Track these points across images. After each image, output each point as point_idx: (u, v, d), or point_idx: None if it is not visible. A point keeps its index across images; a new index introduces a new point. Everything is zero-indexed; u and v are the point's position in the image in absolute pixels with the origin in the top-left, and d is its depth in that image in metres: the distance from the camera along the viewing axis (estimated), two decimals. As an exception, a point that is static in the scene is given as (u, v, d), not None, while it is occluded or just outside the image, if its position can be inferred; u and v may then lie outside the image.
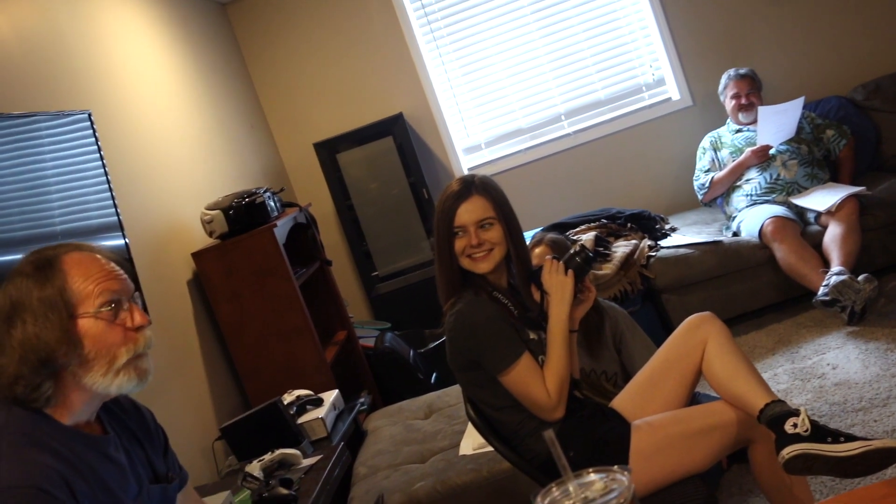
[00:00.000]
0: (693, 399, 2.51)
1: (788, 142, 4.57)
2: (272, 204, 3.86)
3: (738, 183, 4.63)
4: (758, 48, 5.27)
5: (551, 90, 5.50)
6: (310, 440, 3.17)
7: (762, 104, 4.70)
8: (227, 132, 4.72)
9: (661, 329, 4.23)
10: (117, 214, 2.88)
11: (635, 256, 4.32)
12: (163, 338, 3.22)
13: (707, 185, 4.74)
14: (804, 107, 4.66)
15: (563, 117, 5.51)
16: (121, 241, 2.87)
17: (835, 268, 3.95)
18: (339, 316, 4.41)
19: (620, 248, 4.38)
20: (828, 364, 3.61)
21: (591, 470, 1.08)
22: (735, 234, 4.51)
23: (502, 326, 2.27)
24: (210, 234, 3.75)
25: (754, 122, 4.71)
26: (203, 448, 3.25)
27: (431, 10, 5.44)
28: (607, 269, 4.21)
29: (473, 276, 2.36)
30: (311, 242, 4.29)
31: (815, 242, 4.16)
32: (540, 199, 5.36)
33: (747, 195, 4.55)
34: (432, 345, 4.65)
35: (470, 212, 2.31)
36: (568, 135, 5.48)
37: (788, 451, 2.05)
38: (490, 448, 2.57)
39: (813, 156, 4.58)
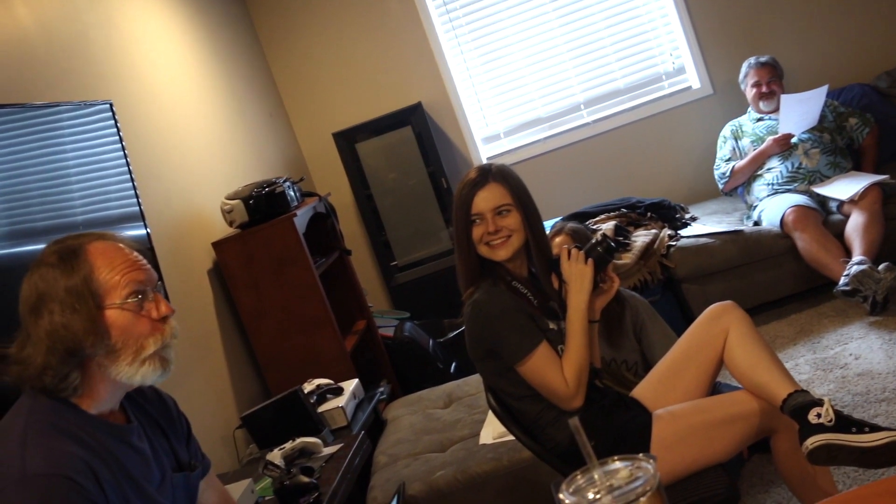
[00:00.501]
0: (714, 389, 2.50)
1: (810, 130, 4.53)
2: (292, 193, 3.86)
3: (760, 172, 4.59)
4: (779, 35, 5.22)
5: (570, 79, 5.48)
6: (330, 429, 3.18)
7: (783, 92, 4.65)
8: (246, 122, 4.74)
9: (681, 319, 4.21)
10: (139, 204, 2.89)
11: (655, 246, 4.30)
12: (183, 327, 3.21)
13: (728, 174, 4.70)
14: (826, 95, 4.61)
15: (582, 106, 5.48)
16: (142, 231, 2.89)
17: (856, 257, 3.91)
18: (358, 305, 4.42)
19: (640, 237, 4.36)
20: (850, 354, 3.58)
21: (616, 458, 1.08)
22: (756, 223, 4.47)
23: (519, 317, 2.27)
24: (230, 224, 3.76)
25: (775, 110, 4.67)
26: (224, 436, 3.27)
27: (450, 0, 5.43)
28: (627, 258, 4.20)
29: (493, 265, 2.35)
30: (330, 232, 4.29)
31: (838, 232, 4.13)
32: (559, 188, 5.35)
33: (769, 184, 4.52)
34: (452, 334, 4.64)
35: (486, 199, 2.30)
36: (587, 124, 5.45)
37: (812, 441, 2.04)
38: (510, 437, 2.58)
39: (835, 144, 4.54)
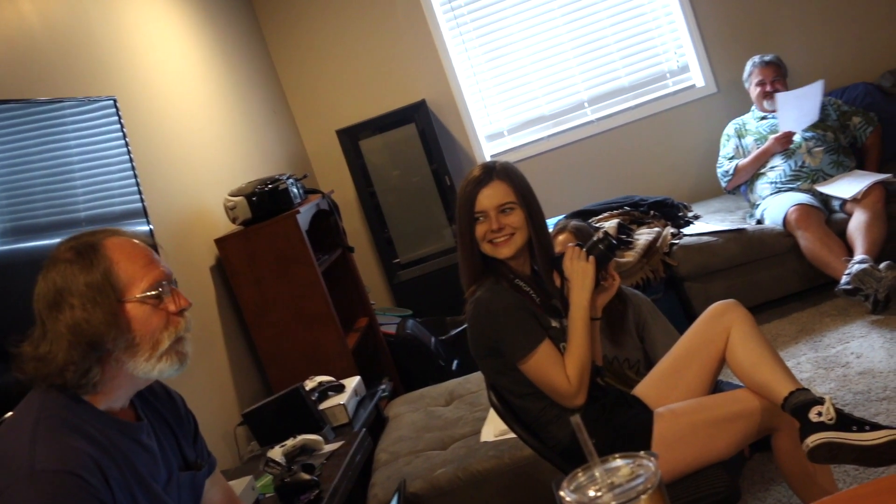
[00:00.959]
0: (716, 387, 2.50)
1: (814, 129, 4.52)
2: (295, 190, 3.86)
3: (763, 170, 4.59)
4: (783, 34, 5.22)
5: (574, 77, 5.47)
6: (331, 426, 3.18)
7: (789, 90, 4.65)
8: (250, 118, 4.74)
9: (683, 317, 4.21)
10: (142, 200, 2.90)
11: (658, 244, 4.30)
12: (187, 323, 3.24)
13: (731, 172, 4.70)
14: (829, 93, 4.60)
15: (586, 104, 5.48)
16: (145, 227, 2.89)
17: (858, 256, 3.91)
18: (360, 302, 4.42)
19: (643, 235, 4.36)
20: (851, 353, 3.58)
21: (617, 455, 1.08)
22: (759, 221, 4.47)
23: (522, 314, 2.27)
24: (233, 221, 3.76)
25: (779, 109, 4.67)
26: (225, 433, 3.28)
27: (454, -3, 5.43)
28: (630, 256, 4.19)
29: (495, 262, 2.36)
30: (333, 229, 4.29)
31: (840, 230, 4.13)
32: (562, 186, 5.34)
33: (772, 182, 4.51)
34: (454, 332, 4.65)
35: (490, 196, 2.30)
36: (591, 122, 5.45)
37: (813, 439, 2.04)
38: (511, 435, 2.57)
39: (839, 143, 4.53)
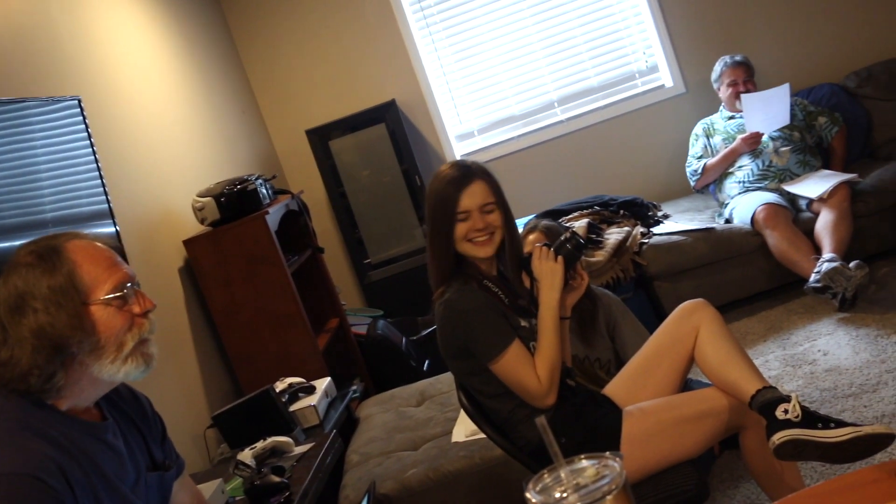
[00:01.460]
0: (685, 385, 2.52)
1: (780, 129, 4.57)
2: (264, 191, 3.84)
3: (731, 170, 4.62)
4: (751, 35, 5.26)
5: (544, 77, 5.49)
6: (302, 428, 3.17)
7: (757, 91, 4.69)
8: (218, 118, 4.70)
9: (653, 316, 4.23)
10: (108, 202, 2.86)
11: (628, 243, 4.32)
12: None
13: (699, 171, 4.73)
14: (796, 94, 4.65)
15: (556, 104, 5.50)
16: (111, 229, 2.86)
17: (826, 254, 3.95)
18: (331, 303, 4.40)
19: (613, 235, 4.38)
20: (819, 350, 3.62)
21: (582, 456, 1.08)
22: (727, 221, 4.51)
23: (491, 315, 2.27)
24: (202, 222, 3.73)
25: (748, 108, 4.70)
26: (195, 436, 3.25)
27: (424, -3, 5.43)
28: (600, 256, 4.21)
29: (465, 264, 2.35)
30: (303, 230, 4.28)
31: (807, 229, 4.17)
32: (533, 186, 5.36)
33: (739, 182, 4.55)
34: (425, 332, 4.64)
35: (473, 196, 2.29)
36: (561, 122, 5.47)
37: (779, 436, 2.06)
38: (482, 435, 2.58)
39: (805, 143, 4.58)
